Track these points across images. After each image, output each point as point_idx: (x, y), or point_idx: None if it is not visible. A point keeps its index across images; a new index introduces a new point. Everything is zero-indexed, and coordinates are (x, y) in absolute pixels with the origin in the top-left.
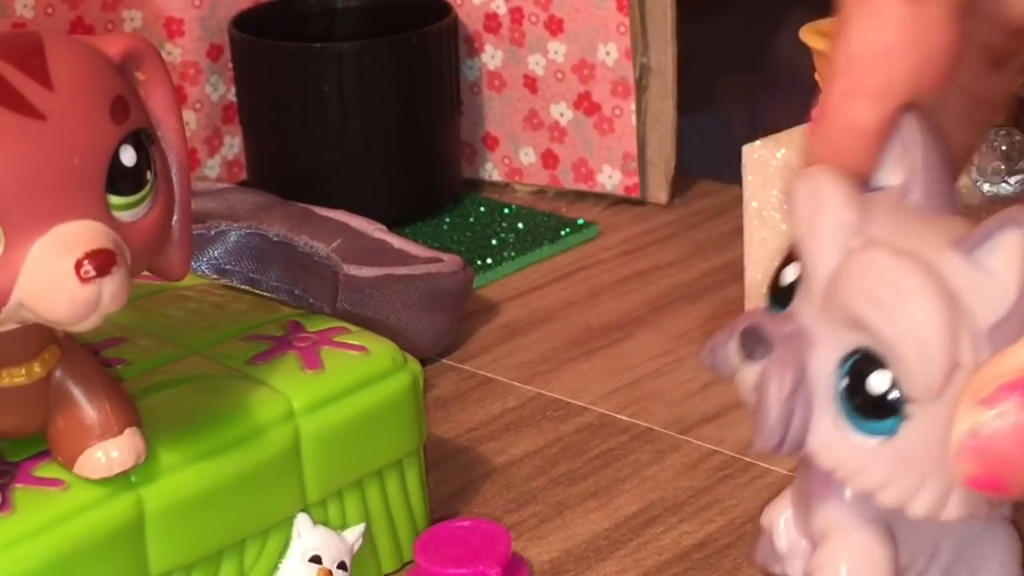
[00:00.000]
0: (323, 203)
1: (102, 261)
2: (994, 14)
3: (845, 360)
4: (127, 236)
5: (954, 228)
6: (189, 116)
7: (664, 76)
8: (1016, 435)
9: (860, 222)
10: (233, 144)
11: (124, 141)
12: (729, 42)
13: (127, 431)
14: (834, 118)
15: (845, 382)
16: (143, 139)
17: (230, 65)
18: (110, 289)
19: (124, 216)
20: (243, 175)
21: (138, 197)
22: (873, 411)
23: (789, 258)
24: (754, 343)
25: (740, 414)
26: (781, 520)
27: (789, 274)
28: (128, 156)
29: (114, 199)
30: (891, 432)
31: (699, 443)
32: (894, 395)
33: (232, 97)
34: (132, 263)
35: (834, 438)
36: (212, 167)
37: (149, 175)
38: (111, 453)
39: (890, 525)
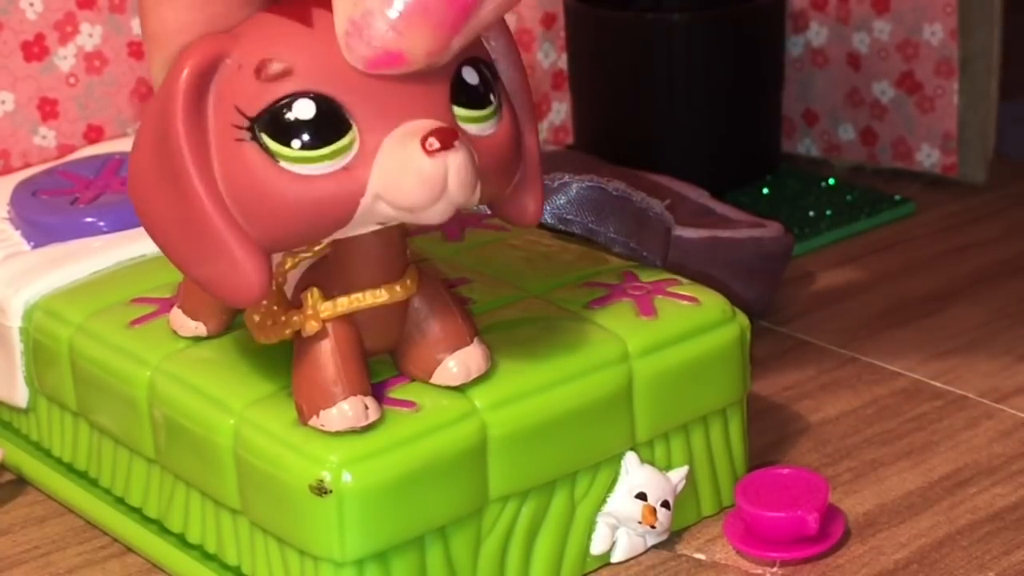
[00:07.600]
0: (646, 168)
1: (445, 135)
2: None
3: None
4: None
5: None
6: None
7: (988, 58)
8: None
9: None
10: (560, 110)
11: (465, 63)
12: None
13: (475, 340)
14: None
15: None
16: (483, 68)
17: (562, 33)
18: (455, 164)
19: (470, 128)
20: (568, 140)
21: (482, 114)
22: None
23: None
24: None
25: None
26: None
27: None
28: (470, 76)
29: (459, 111)
30: None
31: (1014, 412)
32: None
33: (561, 64)
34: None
35: None
36: (539, 131)
37: (492, 99)
38: (465, 362)
39: None
